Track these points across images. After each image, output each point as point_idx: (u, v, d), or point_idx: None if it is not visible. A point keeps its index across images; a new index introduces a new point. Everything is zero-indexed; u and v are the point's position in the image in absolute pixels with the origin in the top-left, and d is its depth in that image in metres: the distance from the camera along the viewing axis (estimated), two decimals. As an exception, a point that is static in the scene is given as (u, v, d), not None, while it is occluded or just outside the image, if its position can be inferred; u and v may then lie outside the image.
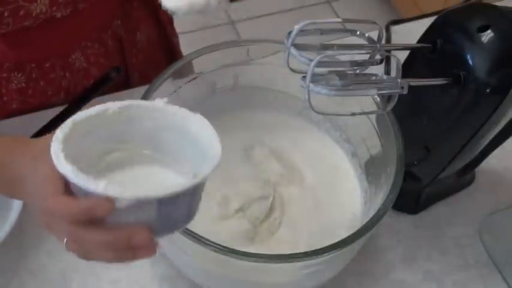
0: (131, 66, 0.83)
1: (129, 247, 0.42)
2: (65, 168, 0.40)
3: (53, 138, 0.42)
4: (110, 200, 0.40)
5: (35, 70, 0.74)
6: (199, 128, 0.46)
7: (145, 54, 0.84)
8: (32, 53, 0.73)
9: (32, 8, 0.65)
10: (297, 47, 0.47)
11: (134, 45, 0.82)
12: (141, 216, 0.42)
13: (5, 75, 0.73)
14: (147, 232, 0.42)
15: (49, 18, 0.68)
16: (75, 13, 0.70)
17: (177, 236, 0.51)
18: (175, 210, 0.43)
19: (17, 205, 0.65)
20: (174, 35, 0.92)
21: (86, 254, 0.44)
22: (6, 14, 0.63)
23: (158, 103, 0.46)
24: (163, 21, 0.87)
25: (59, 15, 0.69)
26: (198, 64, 0.64)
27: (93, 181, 0.40)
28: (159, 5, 0.79)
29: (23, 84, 0.75)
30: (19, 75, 0.74)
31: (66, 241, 0.44)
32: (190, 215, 0.45)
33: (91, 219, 0.41)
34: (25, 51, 0.72)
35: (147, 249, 0.43)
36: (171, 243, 0.57)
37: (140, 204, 0.41)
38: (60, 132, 0.42)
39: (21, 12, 0.64)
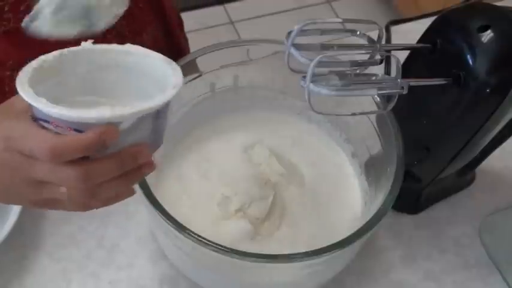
0: None
1: (135, 167, 0.43)
2: (60, 108, 0.39)
3: (26, 93, 0.42)
4: (113, 124, 0.40)
5: None
6: (142, 58, 0.46)
7: None
8: (35, 51, 0.73)
9: (33, 4, 0.64)
10: (297, 47, 0.47)
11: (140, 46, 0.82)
12: (139, 134, 0.42)
13: (8, 73, 0.73)
14: (147, 146, 0.43)
15: None
16: None
17: (177, 236, 0.51)
18: (161, 124, 0.44)
19: (16, 205, 0.65)
20: (183, 37, 0.92)
21: (93, 196, 0.43)
22: (6, 8, 0.63)
23: (85, 45, 0.46)
24: (170, 23, 0.87)
25: None
26: (198, 64, 0.64)
27: (95, 109, 0.39)
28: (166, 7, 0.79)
29: None
30: None
31: (68, 190, 0.42)
32: (164, 134, 0.46)
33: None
34: (28, 49, 0.72)
35: (149, 164, 0.44)
36: (171, 243, 0.57)
37: (141, 120, 0.41)
38: (25, 83, 0.43)
39: (22, 7, 0.64)
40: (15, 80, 0.75)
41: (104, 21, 0.50)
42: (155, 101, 0.41)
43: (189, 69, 0.63)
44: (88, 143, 0.40)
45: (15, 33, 0.68)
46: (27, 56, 0.72)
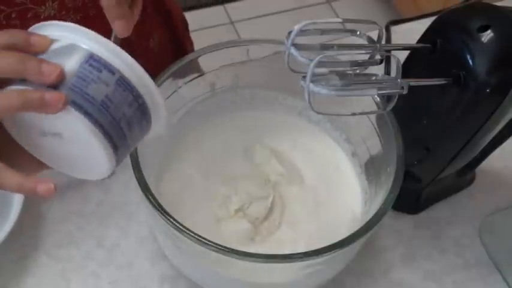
0: None
1: (28, 45, 0.41)
2: None
3: None
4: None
5: None
6: None
7: (157, 61, 0.83)
8: None
9: (40, 11, 0.64)
10: (297, 47, 0.47)
11: (146, 52, 0.82)
12: (62, 62, 0.41)
13: None
14: (47, 40, 0.41)
15: None
16: (86, 19, 0.70)
17: (177, 236, 0.51)
18: (96, 85, 0.41)
19: (16, 205, 0.65)
20: (189, 41, 0.92)
21: None
22: (13, 15, 0.63)
23: None
24: (177, 27, 0.87)
25: (69, 20, 0.69)
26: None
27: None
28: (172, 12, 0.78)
29: None
30: None
31: None
32: (99, 123, 0.42)
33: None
34: None
35: (52, 99, 0.40)
36: (171, 243, 0.57)
37: (71, 49, 0.41)
38: None
39: (29, 15, 0.64)
40: None
41: None
42: (93, 42, 0.41)
43: (190, 69, 0.63)
44: (12, 33, 0.40)
45: None
46: None
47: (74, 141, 0.42)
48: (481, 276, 0.67)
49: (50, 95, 0.40)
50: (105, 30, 0.75)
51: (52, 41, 0.42)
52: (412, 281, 0.66)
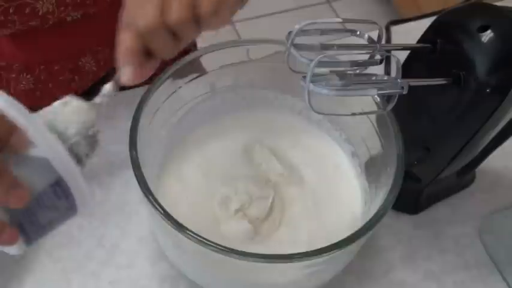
0: None
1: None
2: None
3: None
4: None
5: (43, 72, 0.74)
6: None
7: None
8: (41, 55, 0.73)
9: (38, 7, 0.64)
10: (297, 47, 0.47)
11: None
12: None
13: (13, 75, 0.73)
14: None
15: (59, 22, 0.68)
16: (86, 17, 0.70)
17: (177, 236, 0.51)
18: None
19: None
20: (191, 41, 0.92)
21: None
22: (11, 10, 0.63)
23: None
24: None
25: (69, 18, 0.69)
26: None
27: None
28: None
29: (32, 86, 0.75)
30: (28, 76, 0.73)
31: None
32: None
33: None
34: (34, 53, 0.72)
35: None
36: (171, 243, 0.57)
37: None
38: None
39: (27, 10, 0.64)
40: (20, 82, 0.75)
41: None
42: None
43: (191, 69, 0.63)
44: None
45: (22, 36, 0.68)
46: (33, 60, 0.73)
47: None
48: (481, 276, 0.67)
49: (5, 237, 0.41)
50: (105, 30, 0.75)
51: None
52: (412, 281, 0.66)
